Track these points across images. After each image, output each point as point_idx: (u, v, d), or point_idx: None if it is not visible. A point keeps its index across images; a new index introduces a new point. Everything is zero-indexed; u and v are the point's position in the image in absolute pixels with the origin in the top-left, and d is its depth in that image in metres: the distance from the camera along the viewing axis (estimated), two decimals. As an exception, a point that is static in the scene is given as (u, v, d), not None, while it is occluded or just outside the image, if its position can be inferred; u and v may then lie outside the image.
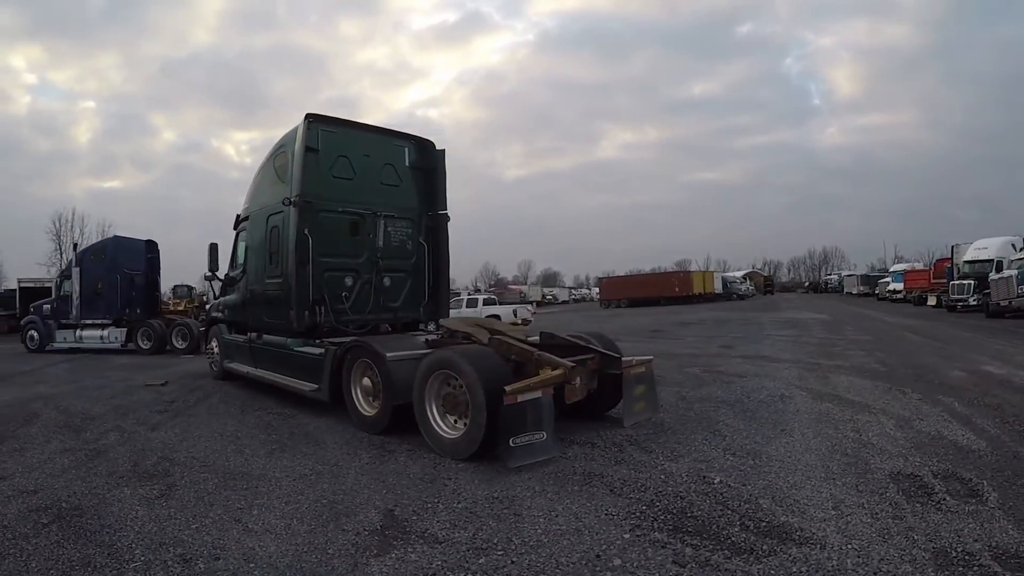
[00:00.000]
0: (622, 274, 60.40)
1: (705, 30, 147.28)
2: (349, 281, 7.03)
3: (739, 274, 62.77)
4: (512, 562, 2.76)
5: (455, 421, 4.63)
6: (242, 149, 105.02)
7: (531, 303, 31.38)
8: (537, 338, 5.76)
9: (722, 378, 7.94)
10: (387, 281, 7.47)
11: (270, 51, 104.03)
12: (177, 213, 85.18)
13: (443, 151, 8.02)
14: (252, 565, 2.82)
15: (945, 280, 25.21)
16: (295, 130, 6.71)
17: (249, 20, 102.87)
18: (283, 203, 6.59)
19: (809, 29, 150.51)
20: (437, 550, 2.92)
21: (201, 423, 5.97)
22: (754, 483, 3.71)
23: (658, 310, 34.40)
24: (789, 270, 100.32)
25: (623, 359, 5.33)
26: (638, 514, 3.29)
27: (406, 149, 7.81)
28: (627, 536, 3.00)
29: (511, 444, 4.12)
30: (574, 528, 3.13)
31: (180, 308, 38.00)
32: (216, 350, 9.00)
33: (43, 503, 3.66)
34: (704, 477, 3.84)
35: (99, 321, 14.76)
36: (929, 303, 26.15)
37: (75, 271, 14.84)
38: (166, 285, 40.90)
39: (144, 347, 14.27)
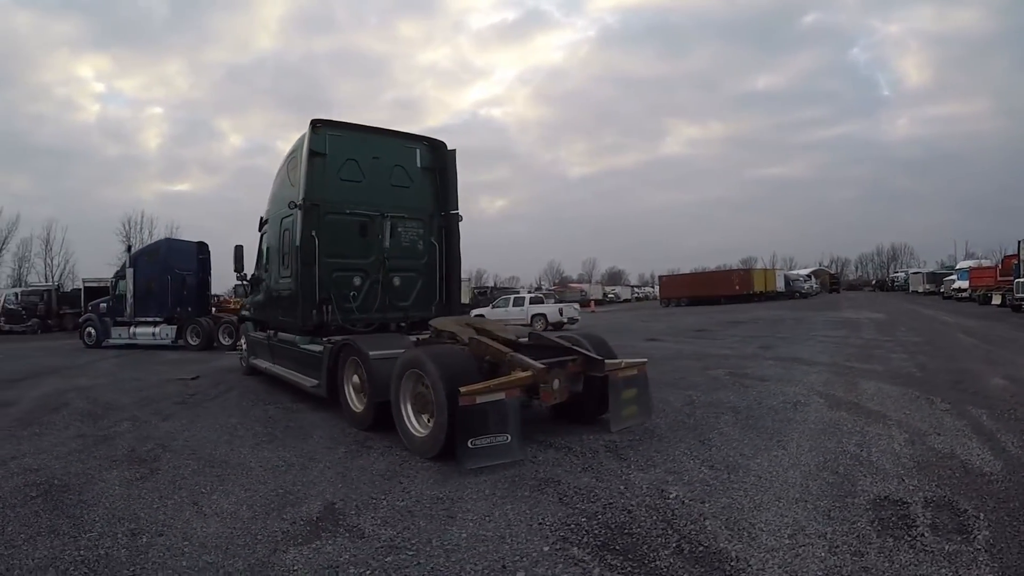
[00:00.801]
0: (687, 272, 58.92)
1: (768, 21, 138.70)
2: (357, 281, 7.26)
3: (804, 272, 59.85)
4: (417, 563, 2.75)
5: (427, 420, 4.68)
6: None
7: (578, 303, 31.02)
8: (526, 339, 5.71)
9: (743, 382, 7.52)
10: (397, 281, 7.63)
11: (332, 54, 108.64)
12: (244, 214, 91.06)
13: (453, 151, 8.08)
14: (187, 543, 3.01)
15: (1011, 278, 23.14)
16: (303, 136, 7.02)
17: (309, 25, 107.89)
18: (288, 207, 6.93)
19: (875, 17, 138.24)
20: (354, 545, 2.96)
21: (209, 415, 6.34)
22: (715, 501, 3.45)
23: (714, 309, 33.16)
24: (857, 267, 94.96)
25: (608, 362, 5.15)
26: (572, 526, 3.15)
27: (417, 150, 7.93)
28: (546, 549, 2.88)
29: (469, 445, 4.09)
30: (498, 535, 3.05)
31: (238, 305, 40.69)
32: (244, 347, 9.64)
33: (39, 479, 4.07)
34: (663, 491, 3.62)
35: (151, 319, 15.58)
36: (993, 302, 24.56)
37: (129, 272, 15.79)
38: (231, 284, 44.05)
39: (193, 343, 15.11)
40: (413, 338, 6.16)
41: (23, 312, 26.16)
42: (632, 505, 3.42)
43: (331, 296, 6.91)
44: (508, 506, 3.47)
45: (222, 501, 3.63)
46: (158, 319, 15.62)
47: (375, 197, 7.40)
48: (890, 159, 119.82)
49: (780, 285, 46.47)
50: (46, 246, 49.49)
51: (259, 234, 8.78)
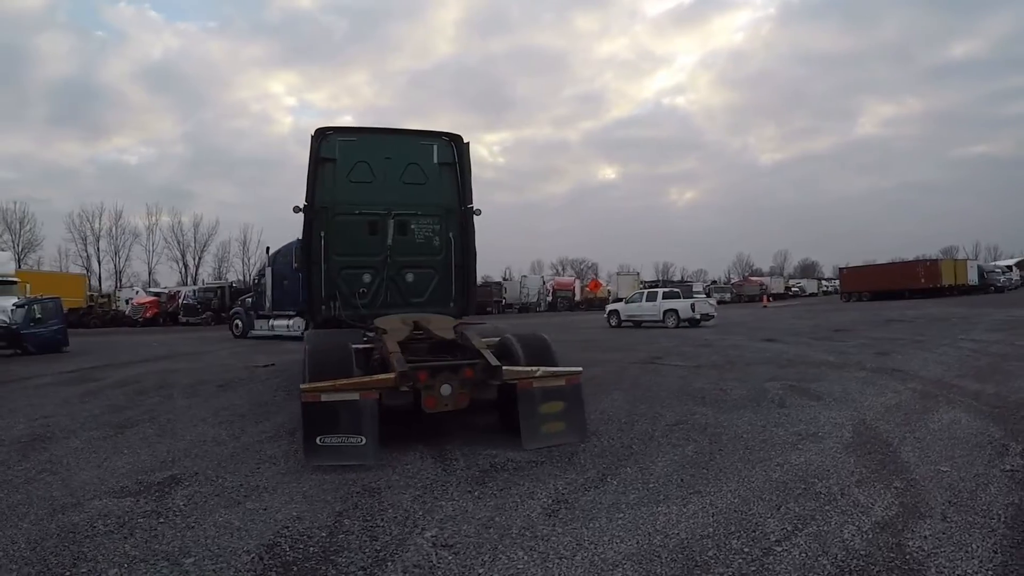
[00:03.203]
0: (879, 263, 51.90)
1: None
2: (367, 278, 7.73)
3: (1009, 262, 50.29)
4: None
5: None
6: (494, 150, 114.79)
7: (713, 297, 28.46)
8: (452, 336, 5.50)
9: (788, 399, 6.29)
10: (410, 277, 7.87)
11: (509, 54, 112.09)
12: None
13: (467, 144, 8.08)
14: (59, 482, 3.86)
15: None
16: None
17: (485, 26, 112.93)
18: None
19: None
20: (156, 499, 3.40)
21: (225, 398, 7.10)
22: (468, 555, 2.80)
23: (892, 305, 30.04)
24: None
25: (511, 369, 4.62)
26: (285, 540, 2.97)
27: (435, 147, 8.06)
28: (249, 557, 2.82)
29: (317, 442, 4.12)
30: (214, 535, 3.04)
31: None
32: None
33: (39, 432, 5.38)
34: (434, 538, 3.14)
35: (286, 312, 17.04)
36: None
37: (268, 270, 17.45)
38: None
39: None
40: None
41: (199, 307, 30.15)
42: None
43: (336, 293, 7.55)
44: (265, 510, 3.44)
45: (115, 461, 4.44)
46: (291, 313, 17.06)
47: (387, 196, 7.75)
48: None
49: (973, 277, 40.63)
50: (243, 247, 61.61)
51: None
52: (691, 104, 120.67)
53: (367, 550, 2.87)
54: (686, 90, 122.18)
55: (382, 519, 3.26)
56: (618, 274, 55.95)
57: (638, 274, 58.68)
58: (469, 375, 4.53)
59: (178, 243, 61.19)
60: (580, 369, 4.75)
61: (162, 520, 3.28)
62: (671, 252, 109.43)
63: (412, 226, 7.84)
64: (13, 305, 14.77)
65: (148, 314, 32.60)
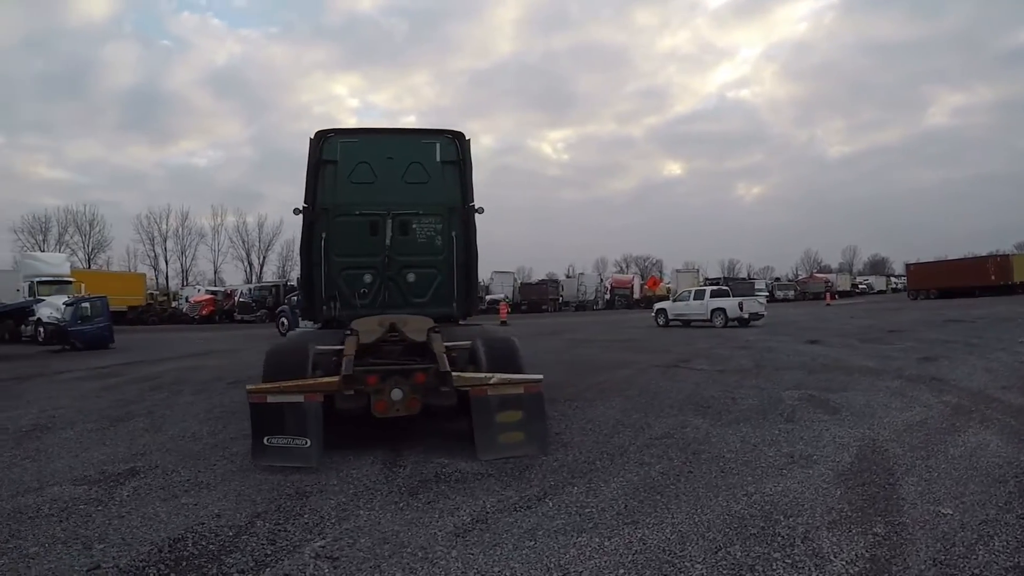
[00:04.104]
0: (947, 259, 49.60)
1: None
2: (368, 278, 7.81)
3: None
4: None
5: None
6: (558, 147, 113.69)
7: (778, 294, 26.87)
8: (424, 339, 5.37)
9: (800, 411, 5.85)
10: (412, 277, 7.84)
11: (570, 50, 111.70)
12: (503, 210, 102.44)
13: (468, 141, 7.94)
14: (34, 468, 4.27)
15: None
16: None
17: (545, 24, 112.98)
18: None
19: None
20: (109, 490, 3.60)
21: (228, 395, 7.48)
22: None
23: (955, 303, 29.42)
24: None
25: (463, 375, 4.46)
26: (192, 536, 3.06)
27: (437, 145, 7.99)
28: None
29: (264, 442, 4.23)
30: (136, 525, 3.21)
31: None
32: None
33: (42, 423, 6.01)
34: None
35: None
36: None
37: None
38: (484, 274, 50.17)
39: None
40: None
41: (253, 304, 30.90)
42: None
43: (336, 294, 7.65)
44: (170, 508, 3.57)
45: (92, 453, 4.84)
46: None
47: (388, 196, 7.79)
48: None
49: (1050, 273, 37.85)
50: (307, 247, 65.34)
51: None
52: (756, 97, 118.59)
53: (257, 553, 2.93)
54: (750, 83, 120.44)
55: (293, 524, 3.29)
56: (677, 271, 54.44)
57: (698, 271, 57.52)
58: (420, 380, 4.43)
59: (243, 242, 65.08)
60: (540, 377, 4.50)
61: (100, 508, 3.56)
62: (738, 248, 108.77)
63: (414, 225, 7.80)
64: (63, 304, 16.22)
65: (204, 312, 34.58)
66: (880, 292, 61.92)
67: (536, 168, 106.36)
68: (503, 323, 26.39)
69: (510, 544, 2.95)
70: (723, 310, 19.54)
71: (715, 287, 23.57)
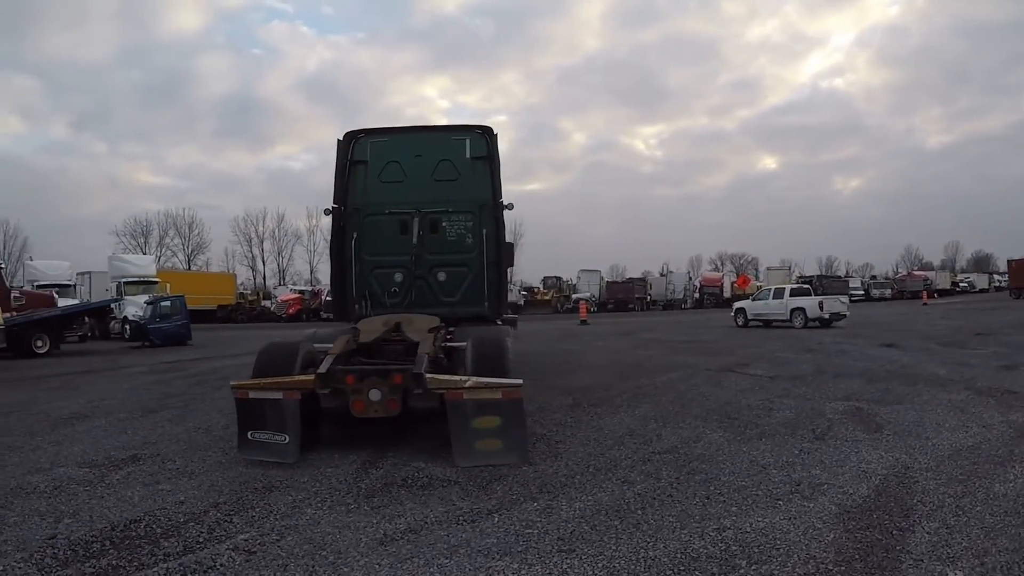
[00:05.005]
0: None
1: None
2: (399, 277, 7.97)
3: None
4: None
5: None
6: (651, 143, 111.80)
7: (854, 294, 25.61)
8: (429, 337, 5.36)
9: (837, 428, 5.28)
10: (442, 276, 7.93)
11: (659, 44, 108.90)
12: (596, 208, 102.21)
13: (496, 136, 7.86)
14: (53, 451, 4.82)
15: None
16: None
17: (631, 18, 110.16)
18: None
19: None
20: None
21: None
22: None
23: None
24: None
25: (437, 378, 4.37)
26: (149, 519, 3.29)
27: (467, 141, 8.02)
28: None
29: (248, 436, 4.47)
30: (109, 506, 3.52)
31: (547, 297, 46.27)
32: None
33: (83, 412, 6.79)
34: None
35: None
36: None
37: None
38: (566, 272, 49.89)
39: None
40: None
41: None
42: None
43: (366, 293, 7.87)
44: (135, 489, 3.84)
45: (115, 439, 5.34)
46: None
47: (417, 195, 7.90)
48: None
49: None
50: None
51: None
52: (850, 86, 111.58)
53: (190, 540, 3.11)
54: (844, 71, 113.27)
55: (240, 516, 3.49)
56: (769, 269, 52.68)
57: (790, 268, 55.68)
58: (398, 381, 4.43)
59: (338, 243, 69.37)
60: (519, 382, 4.33)
61: (87, 489, 3.99)
62: (836, 245, 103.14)
63: (443, 223, 7.87)
64: (144, 303, 17.83)
65: (291, 310, 36.67)
66: (982, 291, 59.78)
67: (629, 165, 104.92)
68: (583, 322, 26.33)
69: (423, 559, 2.87)
70: (802, 310, 18.91)
71: (795, 286, 22.68)
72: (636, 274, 53.04)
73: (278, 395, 4.42)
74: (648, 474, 4.06)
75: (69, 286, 23.64)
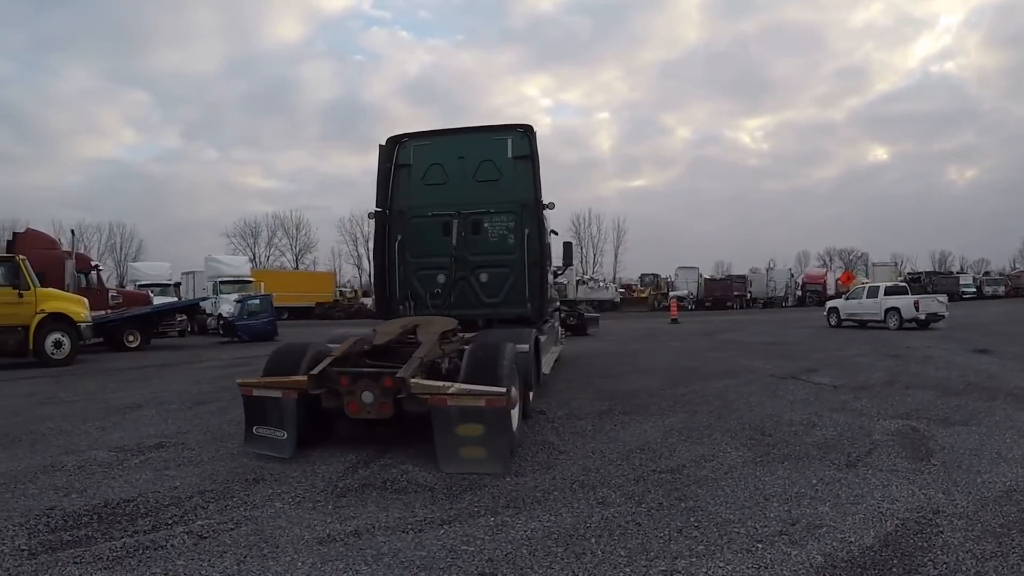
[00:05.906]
0: None
1: None
2: (441, 279, 8.09)
3: None
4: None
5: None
6: (756, 136, 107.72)
7: (943, 295, 21.31)
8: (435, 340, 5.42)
9: (879, 452, 4.75)
10: (484, 277, 7.96)
11: (760, 34, 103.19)
12: (702, 204, 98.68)
13: (535, 134, 7.77)
14: (96, 435, 5.51)
15: None
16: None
17: (731, 8, 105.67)
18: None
19: None
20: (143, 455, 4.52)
21: None
22: None
23: None
24: None
25: (419, 383, 4.43)
26: (138, 499, 3.65)
27: (509, 141, 8.00)
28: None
29: (253, 431, 4.85)
30: (116, 487, 3.98)
31: (643, 295, 45.12)
32: None
33: (139, 402, 7.64)
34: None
35: None
36: None
37: None
38: (670, 270, 49.20)
39: None
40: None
41: None
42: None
43: (410, 294, 8.05)
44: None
45: (154, 427, 6.02)
46: None
47: (460, 196, 8.00)
48: None
49: None
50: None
51: None
52: (962, 70, 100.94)
53: (160, 522, 3.45)
54: (955, 54, 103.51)
55: (215, 504, 3.83)
56: (875, 265, 48.97)
57: (897, 264, 51.83)
58: (388, 384, 4.55)
59: (442, 241, 72.75)
60: (502, 390, 4.31)
61: (105, 470, 4.54)
62: (950, 239, 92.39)
63: (485, 224, 7.97)
64: (234, 301, 19.38)
65: None
66: None
67: (736, 159, 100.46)
68: (673, 321, 25.73)
69: (344, 563, 2.96)
70: (897, 310, 18.16)
71: (888, 284, 21.28)
72: (742, 271, 50.42)
73: (277, 394, 4.72)
74: (631, 496, 3.80)
75: (168, 285, 26.63)
